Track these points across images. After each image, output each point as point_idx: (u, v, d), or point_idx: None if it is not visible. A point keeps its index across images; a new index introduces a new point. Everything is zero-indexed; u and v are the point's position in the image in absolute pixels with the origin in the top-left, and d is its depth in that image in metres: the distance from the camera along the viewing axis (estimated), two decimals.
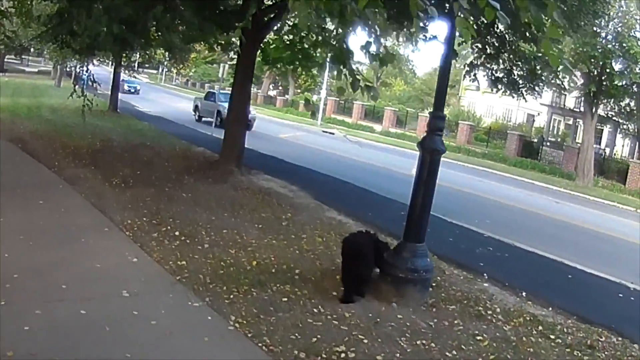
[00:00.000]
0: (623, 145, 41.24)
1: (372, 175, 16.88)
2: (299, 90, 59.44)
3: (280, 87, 63.97)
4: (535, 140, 35.56)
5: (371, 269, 5.65)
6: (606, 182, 27.58)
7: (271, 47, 12.83)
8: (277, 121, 37.48)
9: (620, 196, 24.79)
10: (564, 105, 45.50)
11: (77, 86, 12.80)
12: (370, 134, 36.93)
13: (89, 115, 13.62)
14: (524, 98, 18.96)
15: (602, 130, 40.30)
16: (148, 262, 5.85)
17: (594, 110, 26.03)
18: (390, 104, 50.32)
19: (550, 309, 6.27)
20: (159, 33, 11.02)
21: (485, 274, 7.27)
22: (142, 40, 11.74)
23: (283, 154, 17.70)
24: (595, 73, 24.57)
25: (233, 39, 12.14)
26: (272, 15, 11.05)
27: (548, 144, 35.00)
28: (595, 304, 7.03)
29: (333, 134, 34.01)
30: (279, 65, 14.12)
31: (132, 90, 44.19)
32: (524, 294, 6.62)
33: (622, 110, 27.17)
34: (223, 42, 11.88)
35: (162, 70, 70.37)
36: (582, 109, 31.37)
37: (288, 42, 12.58)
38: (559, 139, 37.91)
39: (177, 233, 6.97)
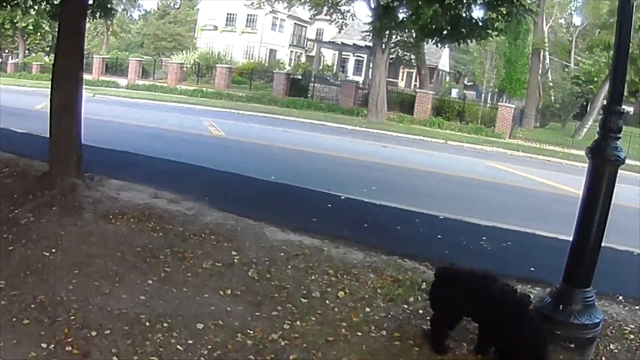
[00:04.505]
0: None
1: (196, 146, 15.25)
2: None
3: (6, 51, 53.86)
4: (300, 77, 35.94)
5: (446, 321, 4.51)
6: (393, 114, 28.84)
7: None
8: (14, 89, 30.77)
9: (422, 128, 26.53)
10: (306, 38, 48.54)
11: None
12: (117, 90, 34.12)
13: None
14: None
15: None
16: None
17: (384, 45, 26.52)
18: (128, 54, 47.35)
19: None
20: None
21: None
22: None
23: None
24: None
25: None
26: None
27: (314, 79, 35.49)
28: None
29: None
30: None
31: None
32: (620, 297, 6.02)
33: (406, 42, 28.53)
34: None
35: None
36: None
37: None
38: (327, 75, 38.84)
39: None
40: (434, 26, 9.80)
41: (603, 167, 4.39)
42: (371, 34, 26.98)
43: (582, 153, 22.16)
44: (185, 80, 38.04)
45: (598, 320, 4.52)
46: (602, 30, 29.07)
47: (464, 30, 10.00)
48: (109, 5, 9.48)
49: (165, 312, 4.54)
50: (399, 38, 29.39)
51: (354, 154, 16.80)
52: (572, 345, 4.39)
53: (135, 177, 8.73)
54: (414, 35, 14.21)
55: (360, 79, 39.72)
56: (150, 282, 5.09)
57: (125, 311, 4.46)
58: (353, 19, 30.92)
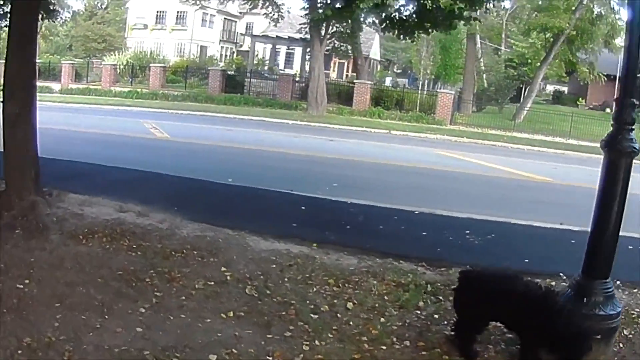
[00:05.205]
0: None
1: (144, 151, 14.87)
2: None
3: None
4: (234, 73, 35.58)
5: (474, 326, 4.35)
6: (331, 106, 28.72)
7: None
8: None
9: (363, 119, 26.58)
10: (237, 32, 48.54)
11: None
12: (51, 95, 32.33)
13: None
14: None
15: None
16: None
17: (322, 36, 26.32)
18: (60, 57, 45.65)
19: None
20: None
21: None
22: None
23: None
24: None
25: None
26: None
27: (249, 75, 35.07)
28: None
29: None
30: None
31: None
32: (618, 282, 5.87)
33: (343, 33, 28.56)
34: None
35: None
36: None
37: None
38: (262, 69, 38.44)
39: None
40: (399, 17, 9.64)
41: (619, 159, 4.41)
42: (308, 26, 26.71)
43: (525, 135, 23.11)
44: (119, 81, 37.18)
45: (620, 309, 4.59)
46: (538, 13, 29.90)
47: (431, 21, 9.85)
48: (51, 7, 8.79)
49: (169, 344, 4.12)
50: (335, 29, 29.22)
51: (303, 150, 16.68)
52: (599, 337, 4.38)
53: (94, 189, 8.20)
54: (382, 27, 13.98)
55: (292, 71, 39.52)
56: (142, 310, 4.63)
57: (125, 348, 4.01)
58: (289, 12, 30.62)
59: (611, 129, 4.42)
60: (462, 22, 10.86)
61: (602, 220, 4.49)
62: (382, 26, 14.62)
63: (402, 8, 10.15)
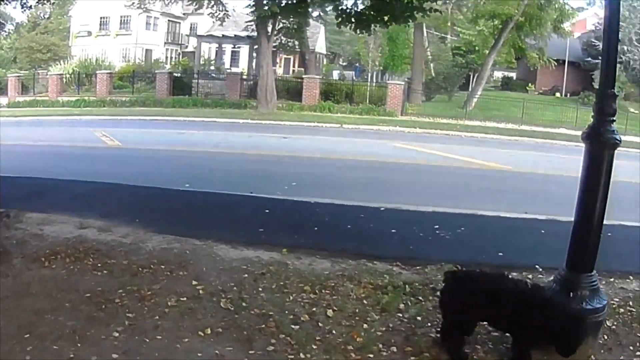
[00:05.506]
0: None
1: (96, 161, 14.44)
2: None
3: None
4: (181, 74, 35.29)
5: (463, 328, 4.28)
6: (281, 103, 28.63)
7: None
8: None
9: (313, 114, 26.67)
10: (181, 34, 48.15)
11: None
12: None
13: None
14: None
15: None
16: None
17: (269, 33, 26.13)
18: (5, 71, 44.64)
19: None
20: None
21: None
22: None
23: None
24: None
25: None
26: None
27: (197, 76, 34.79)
28: None
29: None
30: None
31: None
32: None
33: (290, 29, 28.48)
34: None
35: None
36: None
37: None
38: (209, 69, 38.07)
39: None
40: (355, 10, 9.52)
41: (602, 151, 4.38)
42: (255, 24, 26.48)
43: (477, 123, 23.60)
44: (66, 91, 36.72)
45: (605, 302, 4.57)
46: (485, 1, 30.30)
47: (389, 13, 9.73)
48: None
49: None
50: (281, 25, 29.09)
51: (257, 149, 16.64)
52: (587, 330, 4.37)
53: (51, 206, 7.89)
54: (338, 21, 13.85)
55: (238, 70, 39.29)
56: (116, 334, 4.41)
57: None
58: (234, 10, 30.45)
59: (592, 120, 4.39)
60: (422, 14, 10.74)
61: (586, 213, 4.48)
62: (338, 20, 14.48)
63: (358, 1, 10.09)
